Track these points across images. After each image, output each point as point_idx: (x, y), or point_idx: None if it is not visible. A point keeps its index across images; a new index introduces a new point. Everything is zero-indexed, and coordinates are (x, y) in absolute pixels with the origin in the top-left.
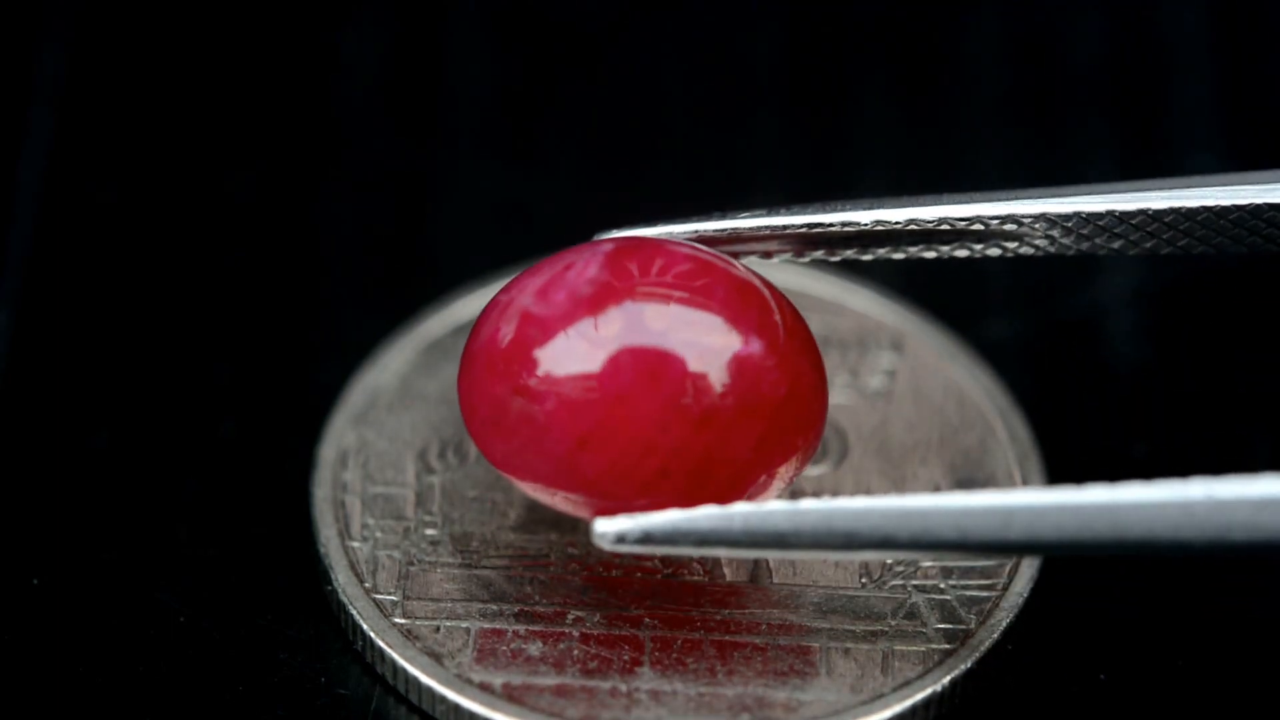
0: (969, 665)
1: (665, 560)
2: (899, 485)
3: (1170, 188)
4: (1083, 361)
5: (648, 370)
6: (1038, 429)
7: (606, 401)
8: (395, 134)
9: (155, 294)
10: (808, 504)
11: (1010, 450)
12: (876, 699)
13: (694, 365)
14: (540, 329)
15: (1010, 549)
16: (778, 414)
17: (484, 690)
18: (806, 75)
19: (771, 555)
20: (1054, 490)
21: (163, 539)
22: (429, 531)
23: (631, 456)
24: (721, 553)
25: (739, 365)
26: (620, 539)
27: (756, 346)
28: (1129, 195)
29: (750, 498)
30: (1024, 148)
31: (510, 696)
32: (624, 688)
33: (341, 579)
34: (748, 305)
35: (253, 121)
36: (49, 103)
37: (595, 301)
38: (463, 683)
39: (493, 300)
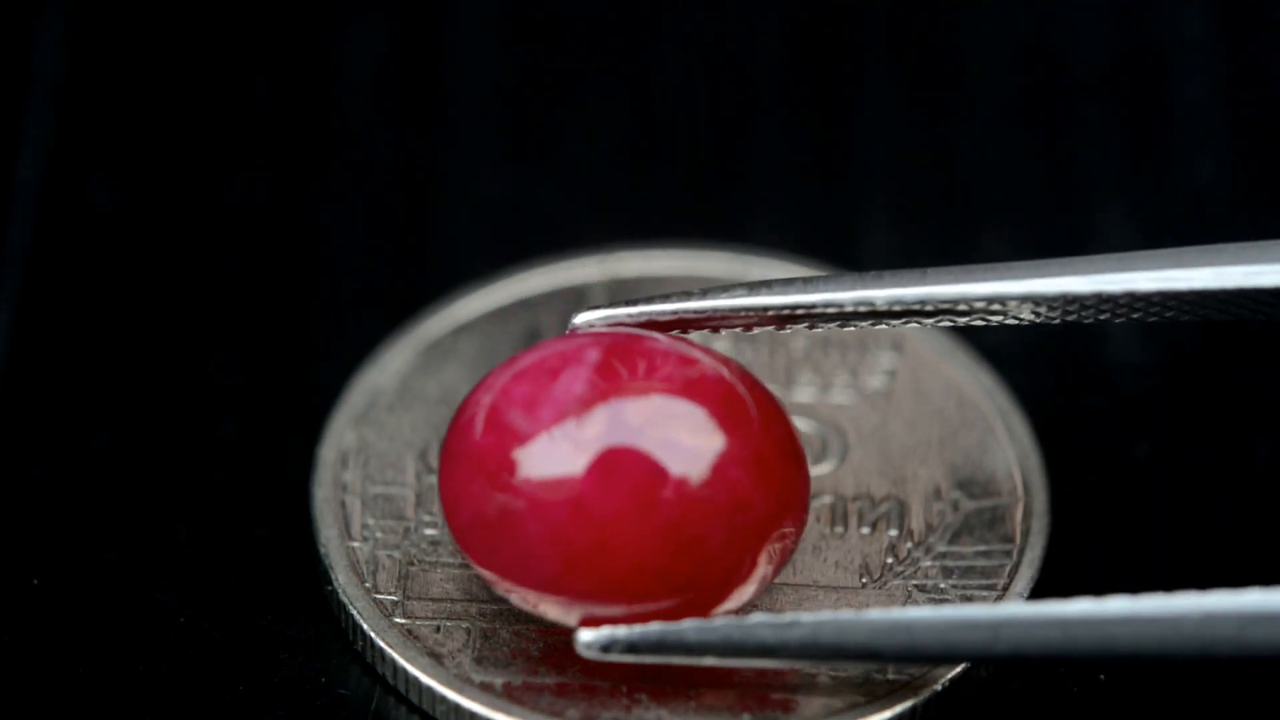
0: (969, 665)
1: None
2: (899, 485)
3: (1156, 267)
4: (1083, 361)
5: (633, 486)
6: (1038, 429)
7: (593, 524)
8: (396, 134)
9: (155, 294)
10: (790, 618)
11: (1010, 450)
12: (876, 699)
13: (675, 471)
14: (522, 442)
15: (996, 660)
16: (764, 522)
17: (484, 690)
18: (809, 75)
19: (757, 665)
20: (1040, 605)
21: (163, 539)
22: (429, 531)
23: (615, 581)
24: (709, 661)
25: (720, 475)
26: (606, 649)
27: (744, 474)
28: (1115, 276)
29: (741, 585)
30: (1026, 149)
31: (510, 696)
32: (624, 688)
33: (341, 579)
34: (729, 405)
35: (253, 121)
36: (49, 103)
37: (581, 412)
38: (463, 683)
39: (472, 397)
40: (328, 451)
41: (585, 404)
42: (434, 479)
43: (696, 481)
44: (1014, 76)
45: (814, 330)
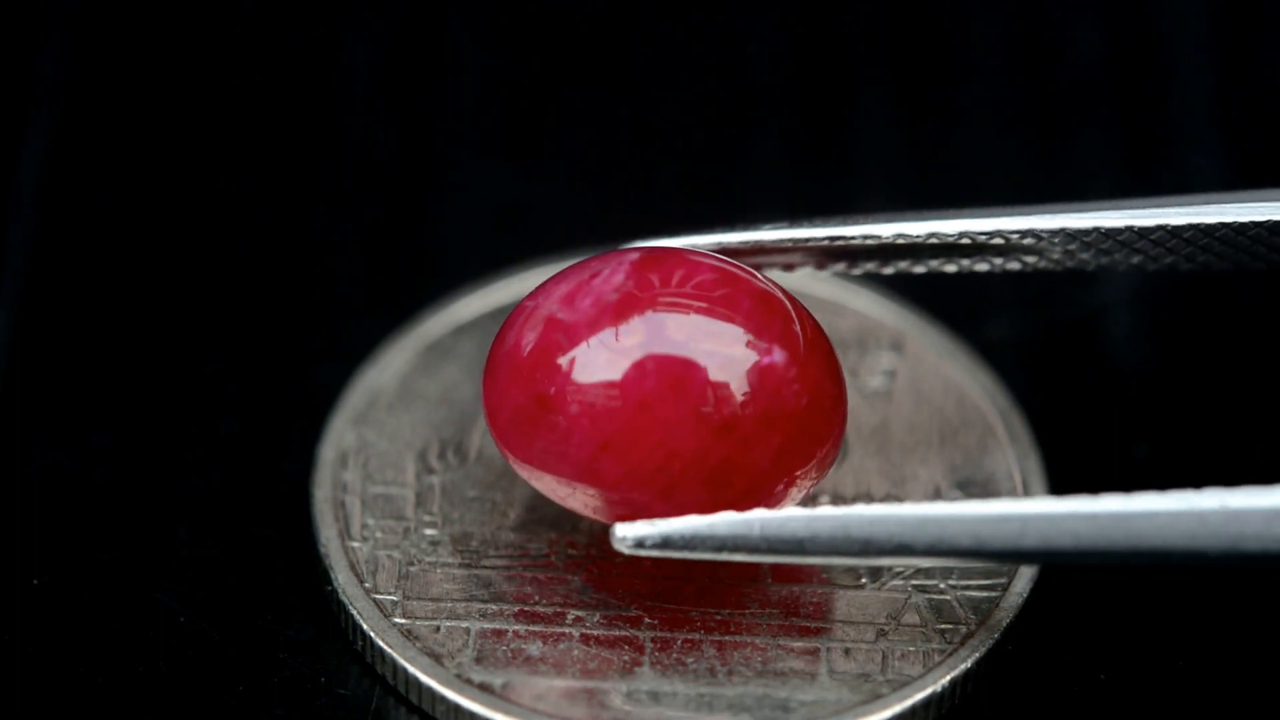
0: (969, 665)
1: (665, 561)
2: (899, 485)
3: (1188, 204)
4: (1083, 361)
5: (670, 378)
6: (1038, 429)
7: (629, 408)
8: (395, 134)
9: (155, 294)
10: (825, 511)
11: (1010, 450)
12: (876, 699)
13: (715, 374)
14: (565, 336)
15: (1024, 557)
16: (797, 424)
17: (484, 690)
18: (808, 75)
19: (788, 560)
20: (1069, 499)
21: (163, 539)
22: (429, 531)
23: (652, 462)
24: (739, 558)
25: (760, 375)
26: (639, 544)
27: (778, 356)
28: (1147, 211)
29: (767, 506)
30: (1025, 149)
31: (510, 696)
32: (624, 688)
33: (341, 579)
34: (770, 316)
35: (253, 121)
36: (49, 103)
37: (620, 310)
38: (463, 683)
39: (518, 306)
40: (328, 451)
41: (622, 296)
42: (434, 479)
43: (730, 372)
44: (1012, 76)
45: (853, 270)
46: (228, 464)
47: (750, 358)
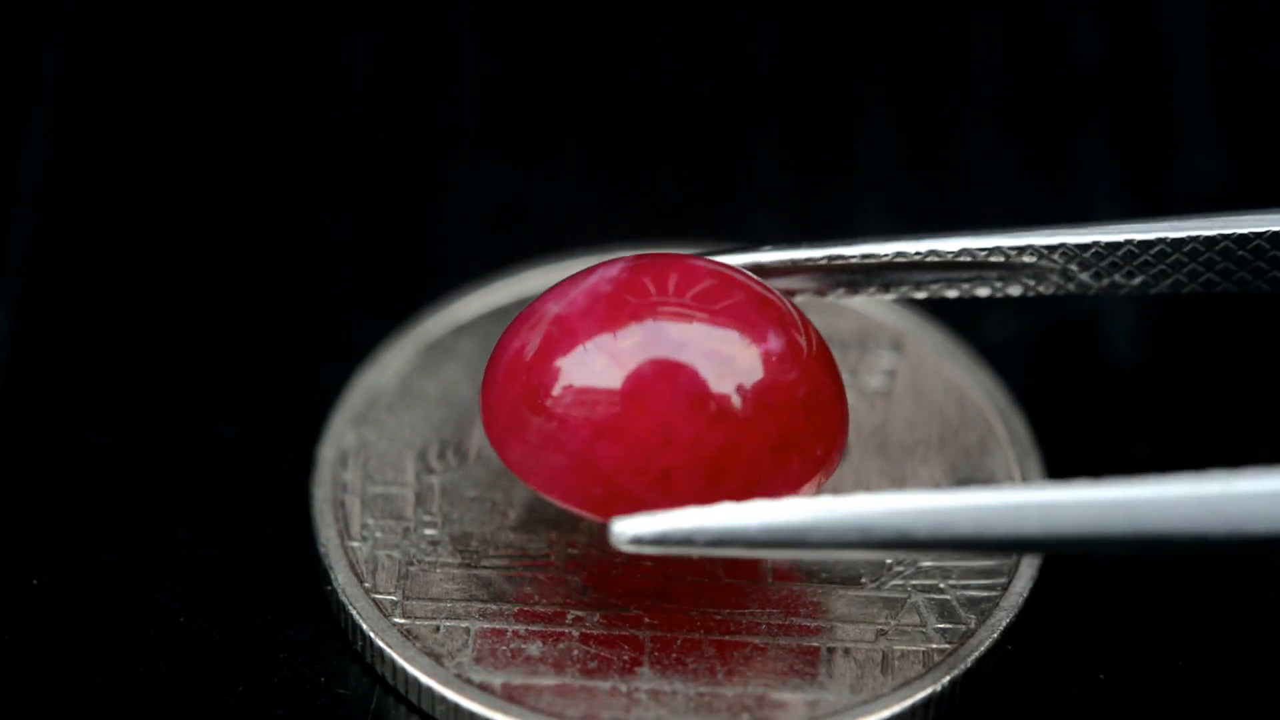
0: (969, 665)
1: (665, 560)
2: (899, 485)
3: (1191, 218)
4: (1083, 361)
5: (666, 368)
6: (1038, 429)
7: (624, 396)
8: (395, 134)
9: (155, 294)
10: (824, 500)
11: (1010, 450)
12: (876, 699)
13: (711, 362)
14: (562, 335)
15: (1027, 545)
16: (795, 417)
17: (484, 690)
18: (808, 75)
19: (787, 555)
20: (1071, 486)
21: (163, 539)
22: (429, 531)
23: (647, 449)
24: (738, 553)
25: (758, 365)
26: (637, 540)
27: (775, 345)
28: (1149, 225)
29: (772, 478)
30: (1025, 150)
31: (510, 696)
32: (624, 688)
33: (341, 579)
34: (767, 310)
35: (253, 122)
36: (49, 103)
37: (617, 310)
38: (463, 683)
39: (517, 316)
40: (328, 451)
41: (622, 311)
42: (434, 479)
43: (726, 359)
44: (1012, 76)
45: (853, 296)
46: (228, 464)
47: (747, 346)
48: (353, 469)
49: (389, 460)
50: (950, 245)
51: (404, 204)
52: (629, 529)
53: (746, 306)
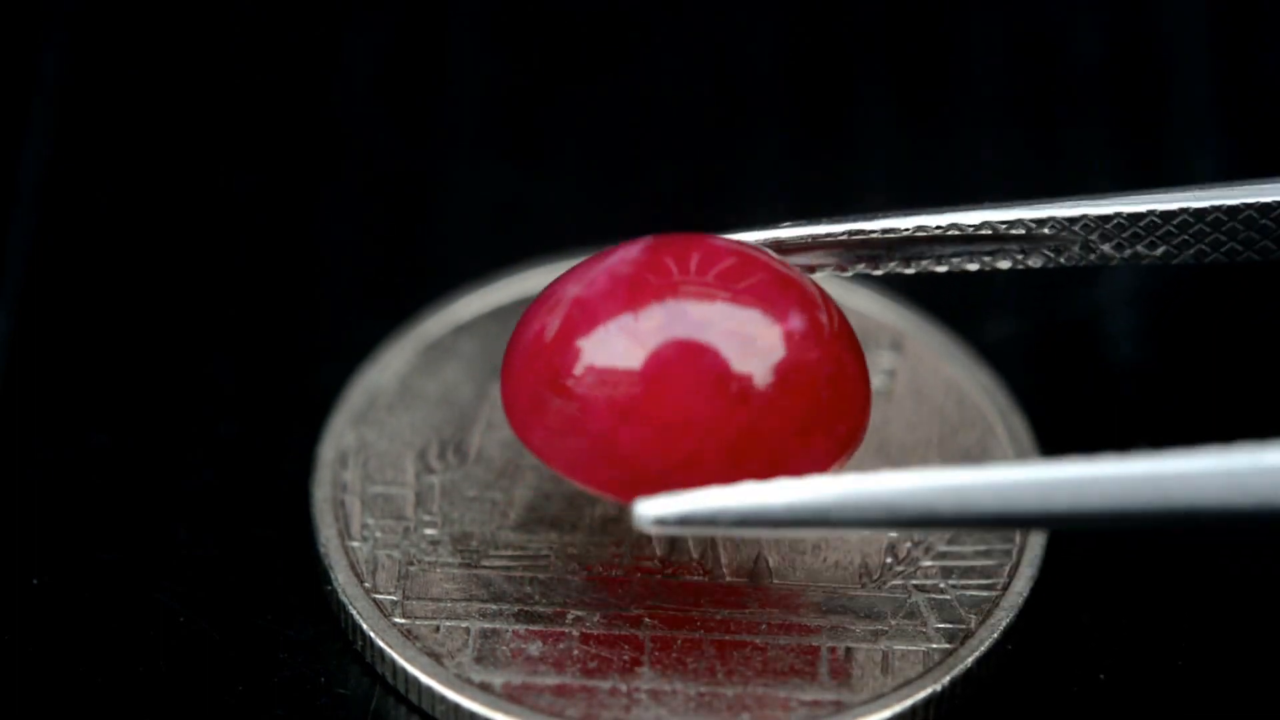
0: (969, 665)
1: (665, 560)
2: None
3: (1213, 187)
4: (1083, 361)
5: (688, 349)
6: (1038, 429)
7: (647, 378)
8: (395, 134)
9: (155, 294)
10: (849, 478)
11: (1010, 450)
12: (876, 699)
13: (733, 342)
14: (582, 317)
15: (1055, 520)
16: (818, 396)
17: (484, 690)
18: (808, 75)
19: (811, 534)
20: (1099, 460)
21: (163, 539)
22: (429, 531)
23: (669, 431)
24: (762, 533)
25: (780, 345)
26: (661, 520)
27: (797, 324)
28: (1168, 195)
29: (796, 454)
30: (1025, 149)
31: (510, 696)
32: (624, 688)
33: (341, 579)
34: (790, 289)
35: (253, 122)
36: (49, 103)
37: (638, 291)
38: (463, 683)
39: (537, 297)
40: (327, 451)
41: (644, 289)
42: (434, 479)
43: (749, 339)
44: (1012, 76)
45: (875, 271)
46: (228, 464)
47: (769, 325)
48: (353, 469)
49: (389, 460)
50: (972, 218)
51: (404, 204)
52: (652, 510)
53: (768, 285)
